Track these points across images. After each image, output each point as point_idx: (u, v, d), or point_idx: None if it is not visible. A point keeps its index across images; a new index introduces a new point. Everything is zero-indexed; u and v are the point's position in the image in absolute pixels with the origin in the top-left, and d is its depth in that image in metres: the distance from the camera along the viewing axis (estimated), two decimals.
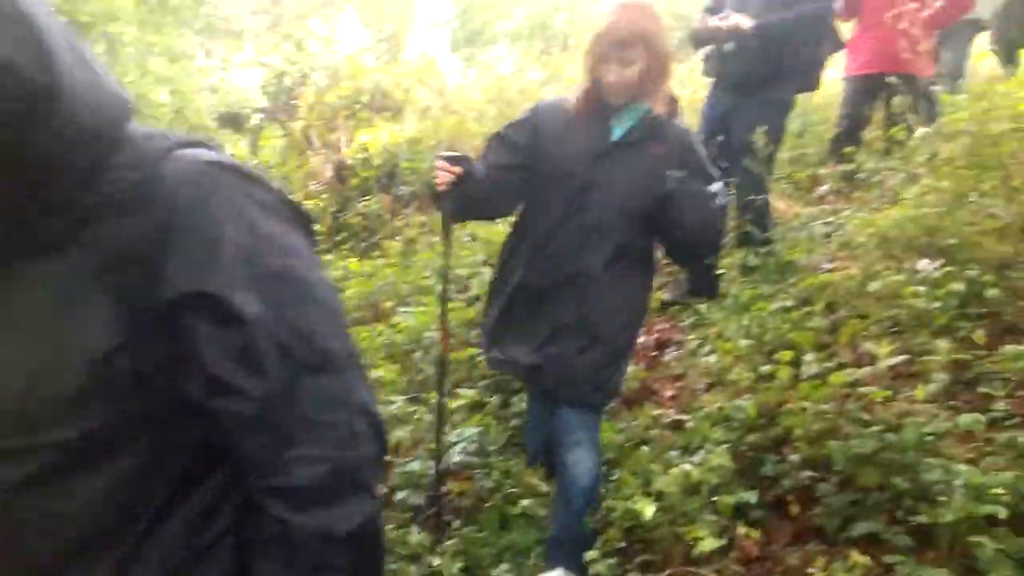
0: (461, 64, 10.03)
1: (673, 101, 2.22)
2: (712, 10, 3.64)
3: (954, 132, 3.63)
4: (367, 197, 6.08)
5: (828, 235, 3.80)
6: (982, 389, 2.25)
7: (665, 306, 3.77)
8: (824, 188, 4.37)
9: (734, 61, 3.43)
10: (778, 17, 3.34)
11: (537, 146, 2.19)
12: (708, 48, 3.58)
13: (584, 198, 2.15)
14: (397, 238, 5.30)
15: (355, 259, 5.26)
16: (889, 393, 2.26)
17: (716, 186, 2.20)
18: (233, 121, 10.03)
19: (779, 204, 4.35)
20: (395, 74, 8.16)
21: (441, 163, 2.07)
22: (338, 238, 6.00)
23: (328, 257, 5.49)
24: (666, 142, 2.17)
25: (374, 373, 3.29)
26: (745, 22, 3.32)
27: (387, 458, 2.97)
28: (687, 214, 2.06)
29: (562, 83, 7.28)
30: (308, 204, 6.49)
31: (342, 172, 6.61)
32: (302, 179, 6.88)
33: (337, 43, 9.79)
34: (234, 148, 9.29)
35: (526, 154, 2.19)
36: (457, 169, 2.06)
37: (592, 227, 2.15)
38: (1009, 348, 2.23)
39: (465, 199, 2.12)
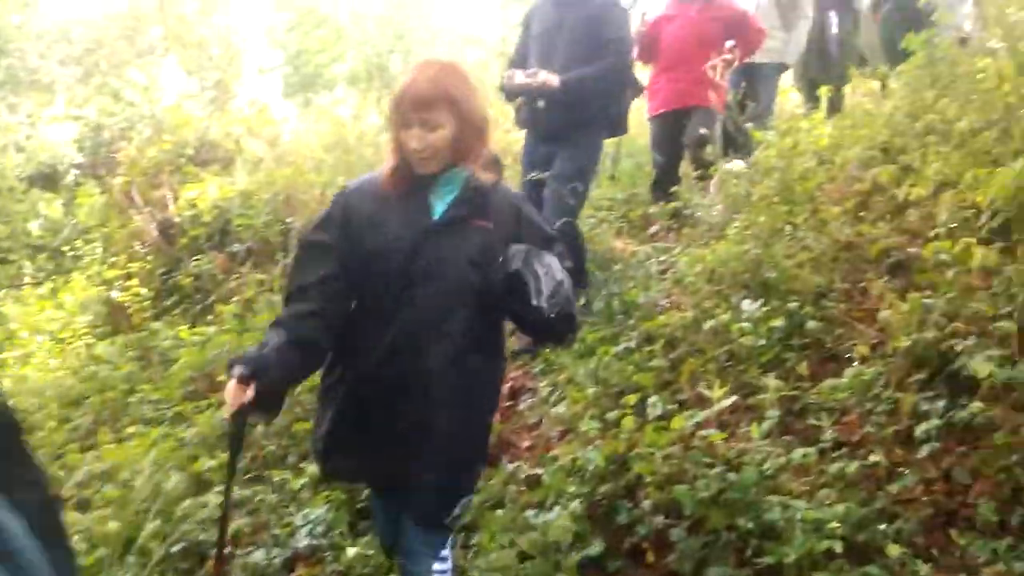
0: (296, 110, 9.77)
1: (496, 163, 2.00)
2: (516, 63, 3.77)
3: (766, 169, 3.88)
4: (198, 257, 5.72)
5: (663, 272, 3.95)
6: (811, 421, 2.35)
7: (516, 355, 3.75)
8: (655, 227, 4.55)
9: (545, 113, 3.56)
10: (582, 72, 3.50)
11: (350, 239, 1.91)
12: (519, 100, 3.69)
13: (410, 291, 1.87)
14: (233, 300, 5.00)
15: (186, 326, 4.92)
16: (726, 435, 2.32)
17: (558, 248, 2.02)
18: (46, 180, 9.24)
19: (616, 243, 4.48)
20: (224, 124, 7.81)
21: (231, 384, 1.74)
22: (167, 303, 5.60)
23: (156, 325, 5.10)
24: (494, 213, 1.93)
25: (206, 463, 3.03)
26: (553, 79, 3.45)
27: (227, 550, 2.76)
28: (539, 294, 1.79)
29: None
30: (133, 267, 6.06)
31: (169, 231, 6.20)
32: (125, 240, 6.41)
33: (160, 92, 9.29)
34: (48, 208, 8.55)
35: (341, 256, 1.90)
36: (249, 395, 1.73)
37: (426, 324, 1.88)
38: (828, 382, 2.35)
39: (278, 394, 1.86)
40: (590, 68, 3.50)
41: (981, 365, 1.91)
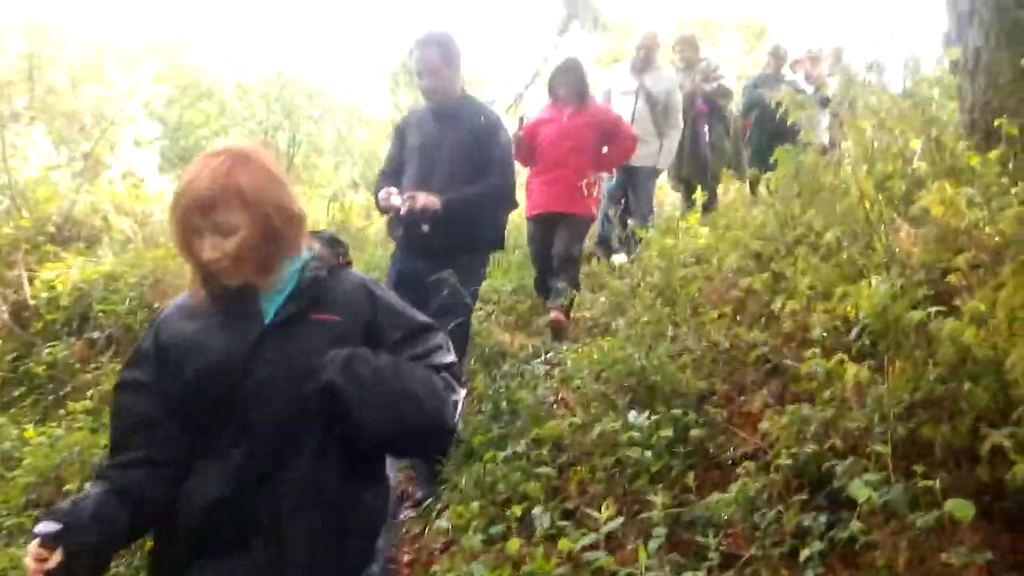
0: (172, 186, 9.38)
1: (335, 244, 1.74)
2: (389, 174, 3.60)
3: (649, 268, 3.98)
4: (53, 343, 5.27)
5: (550, 368, 3.93)
6: (698, 538, 2.32)
7: (418, 504, 3.57)
8: (542, 321, 4.57)
9: (430, 234, 3.37)
10: (465, 192, 3.39)
11: (169, 371, 1.60)
12: (391, 214, 3.49)
13: (248, 412, 1.55)
14: (90, 392, 4.60)
15: (35, 419, 4.48)
16: (614, 557, 2.26)
17: (438, 338, 1.71)
18: None
19: (504, 337, 4.46)
20: (92, 199, 7.39)
21: (32, 546, 1.41)
22: (16, 393, 5.10)
23: (0, 420, 4.62)
24: (340, 302, 1.64)
25: None
26: (434, 201, 3.30)
27: None
28: (362, 410, 1.50)
29: None
30: None
31: (22, 314, 5.72)
32: None
33: (22, 162, 8.72)
34: None
35: (162, 393, 1.60)
36: (55, 559, 1.39)
37: (268, 449, 1.55)
38: (714, 495, 2.35)
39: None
40: (473, 188, 3.41)
41: (860, 490, 1.94)
